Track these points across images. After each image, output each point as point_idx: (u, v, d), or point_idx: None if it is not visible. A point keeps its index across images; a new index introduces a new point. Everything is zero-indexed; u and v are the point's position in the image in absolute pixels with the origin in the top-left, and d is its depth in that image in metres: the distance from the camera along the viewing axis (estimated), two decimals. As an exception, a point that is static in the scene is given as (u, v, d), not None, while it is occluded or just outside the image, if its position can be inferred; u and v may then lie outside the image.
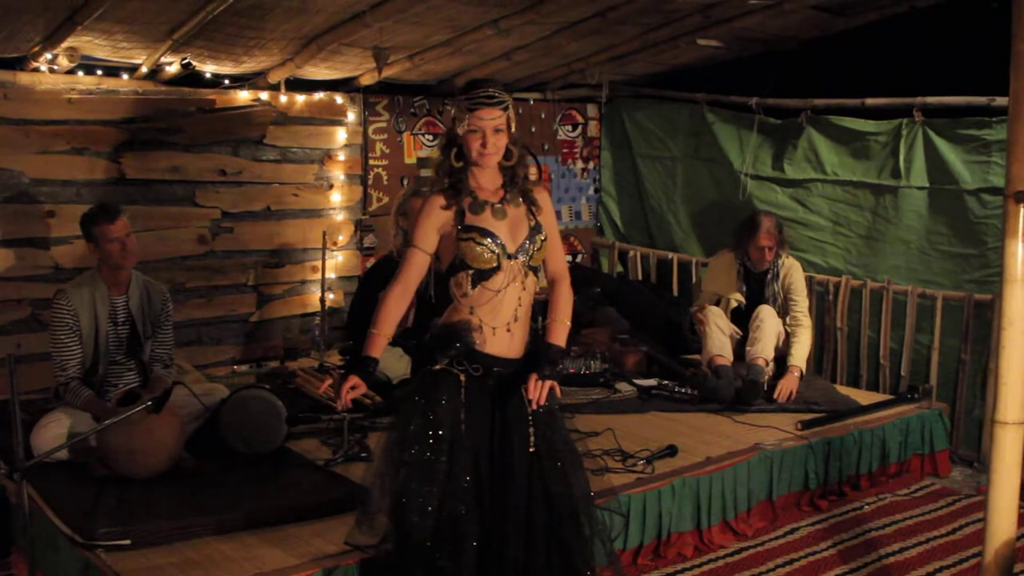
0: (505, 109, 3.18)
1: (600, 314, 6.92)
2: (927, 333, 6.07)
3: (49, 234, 5.68)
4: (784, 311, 5.95)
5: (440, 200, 3.22)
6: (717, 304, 6.07)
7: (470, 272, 3.18)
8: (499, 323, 3.20)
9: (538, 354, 3.27)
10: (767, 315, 5.84)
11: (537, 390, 3.13)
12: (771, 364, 5.82)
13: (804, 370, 5.83)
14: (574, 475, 3.26)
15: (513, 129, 3.23)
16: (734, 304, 6.04)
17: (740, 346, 5.98)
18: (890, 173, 6.28)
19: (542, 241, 3.28)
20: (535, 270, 3.29)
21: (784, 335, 5.93)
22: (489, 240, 3.17)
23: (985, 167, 5.81)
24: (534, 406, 3.16)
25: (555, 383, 3.19)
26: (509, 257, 3.20)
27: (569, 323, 3.38)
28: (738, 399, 5.58)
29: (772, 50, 6.79)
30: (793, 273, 6.02)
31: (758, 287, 5.99)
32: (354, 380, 3.14)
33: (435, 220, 3.22)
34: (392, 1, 5.09)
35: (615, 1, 5.52)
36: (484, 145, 3.16)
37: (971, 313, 5.84)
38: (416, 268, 3.23)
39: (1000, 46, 3.30)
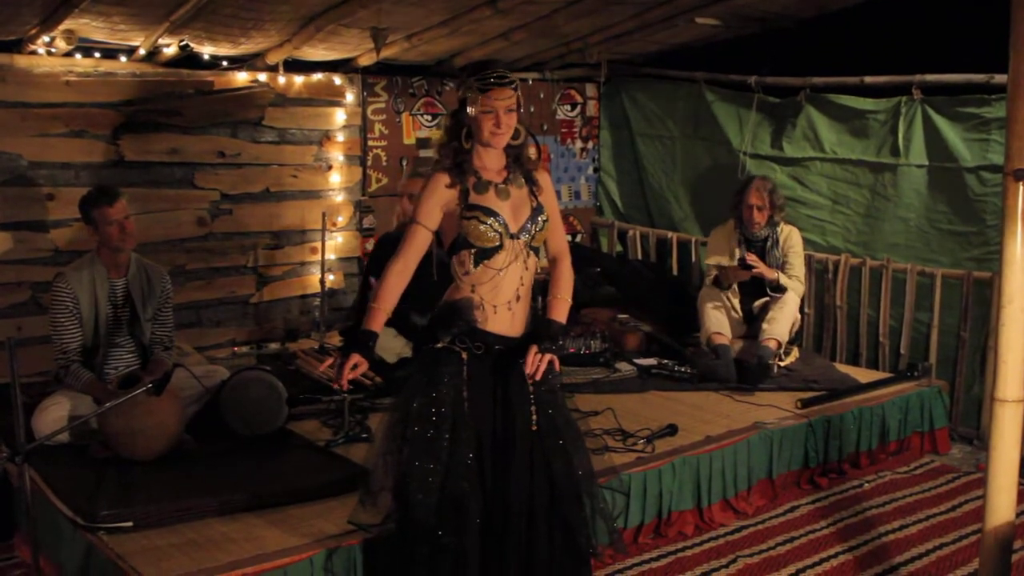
0: (516, 89, 3.20)
1: (599, 294, 6.92)
2: (926, 311, 6.07)
3: (48, 217, 5.67)
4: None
5: (445, 178, 3.23)
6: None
7: (473, 251, 3.19)
8: (500, 302, 3.21)
9: (539, 330, 3.28)
10: (790, 299, 5.86)
11: (535, 363, 3.14)
12: (783, 347, 5.83)
13: (780, 281, 5.86)
14: (576, 454, 3.27)
15: (521, 110, 3.24)
16: None
17: (742, 324, 6.01)
18: (889, 151, 6.27)
19: (544, 222, 3.29)
20: (536, 250, 3.31)
21: (800, 322, 5.92)
22: (492, 219, 3.18)
23: (984, 145, 5.80)
24: (531, 380, 3.17)
25: (554, 357, 3.20)
26: (512, 236, 3.21)
27: (570, 300, 3.39)
28: (746, 379, 5.58)
29: (771, 28, 6.75)
30: (792, 237, 6.04)
31: (759, 255, 5.95)
32: (356, 359, 3.15)
33: (439, 198, 3.23)
34: (390, -19, 5.08)
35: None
36: (497, 125, 3.18)
37: (970, 291, 5.84)
38: (418, 244, 3.24)
39: (999, 23, 3.29)
